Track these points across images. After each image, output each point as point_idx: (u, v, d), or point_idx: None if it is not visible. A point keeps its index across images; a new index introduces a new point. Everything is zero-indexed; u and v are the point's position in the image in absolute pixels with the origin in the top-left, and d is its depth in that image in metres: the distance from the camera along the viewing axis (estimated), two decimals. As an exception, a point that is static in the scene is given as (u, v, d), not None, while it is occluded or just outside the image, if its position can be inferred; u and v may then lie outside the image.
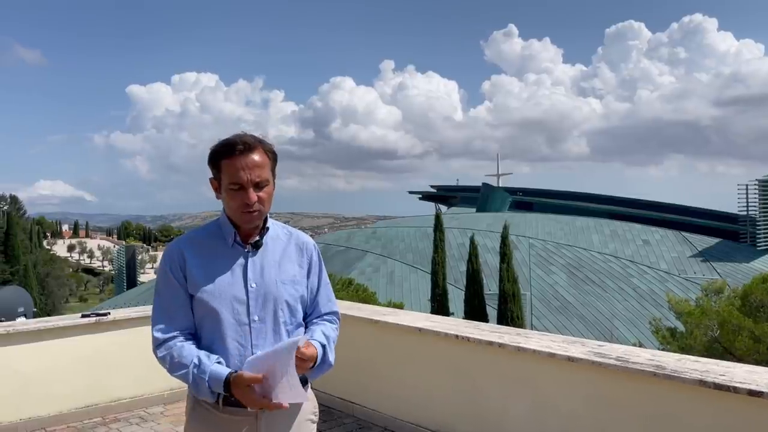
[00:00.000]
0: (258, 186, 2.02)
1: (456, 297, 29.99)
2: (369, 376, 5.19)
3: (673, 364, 3.42)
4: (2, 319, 6.85)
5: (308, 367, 1.98)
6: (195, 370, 1.96)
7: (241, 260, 2.08)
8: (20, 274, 52.79)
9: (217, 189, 2.08)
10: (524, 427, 4.01)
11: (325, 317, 2.23)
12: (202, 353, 2.00)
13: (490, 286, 30.40)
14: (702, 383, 3.11)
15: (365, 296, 23.68)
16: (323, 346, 2.08)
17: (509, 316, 25.72)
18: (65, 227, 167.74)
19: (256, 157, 2.01)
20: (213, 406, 2.03)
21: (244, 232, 2.11)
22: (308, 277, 2.20)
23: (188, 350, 2.00)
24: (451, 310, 27.92)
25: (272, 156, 2.09)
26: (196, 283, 2.04)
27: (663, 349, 17.74)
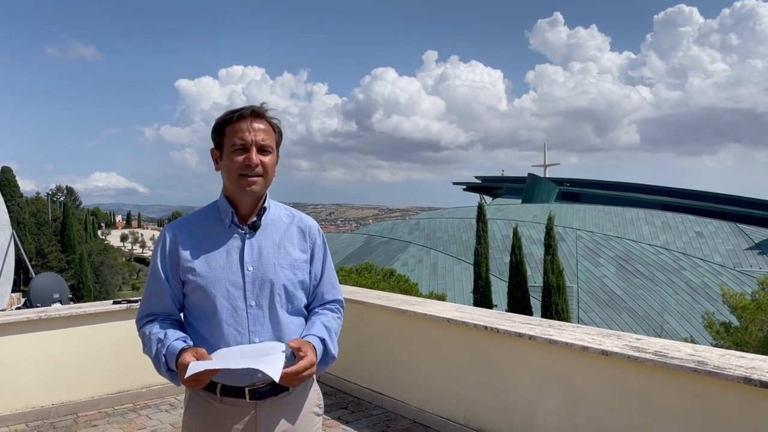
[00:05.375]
0: (262, 150, 1.93)
1: (500, 289, 29.59)
2: (398, 367, 5.06)
3: (716, 359, 3.18)
4: (38, 305, 7.00)
5: (308, 374, 1.86)
6: (158, 345, 1.88)
7: (237, 242, 1.97)
8: (76, 263, 54.60)
9: (218, 159, 1.99)
10: (555, 423, 3.83)
11: (327, 306, 2.11)
12: (170, 331, 1.91)
13: (535, 279, 29.91)
14: (747, 380, 2.87)
15: (406, 287, 23.55)
16: (322, 341, 1.96)
17: (554, 308, 25.16)
18: (119, 218, 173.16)
19: (261, 124, 1.95)
20: (210, 396, 1.94)
21: (242, 212, 2.00)
22: (311, 262, 2.08)
23: (158, 328, 1.93)
24: (494, 302, 27.53)
25: (277, 130, 2.00)
26: (188, 266, 1.93)
27: (717, 344, 17.06)
